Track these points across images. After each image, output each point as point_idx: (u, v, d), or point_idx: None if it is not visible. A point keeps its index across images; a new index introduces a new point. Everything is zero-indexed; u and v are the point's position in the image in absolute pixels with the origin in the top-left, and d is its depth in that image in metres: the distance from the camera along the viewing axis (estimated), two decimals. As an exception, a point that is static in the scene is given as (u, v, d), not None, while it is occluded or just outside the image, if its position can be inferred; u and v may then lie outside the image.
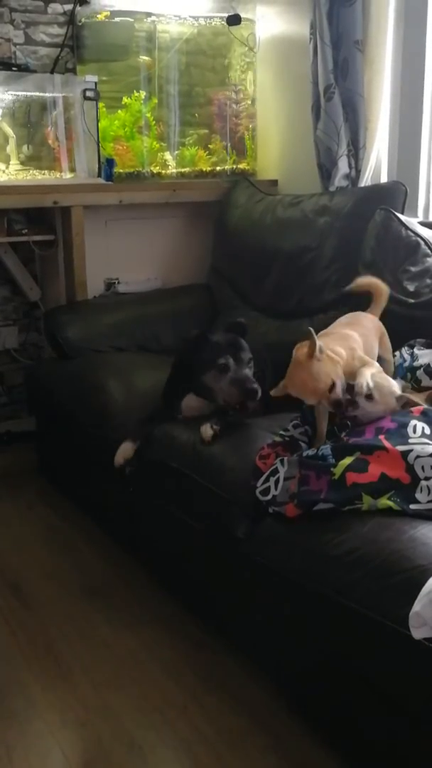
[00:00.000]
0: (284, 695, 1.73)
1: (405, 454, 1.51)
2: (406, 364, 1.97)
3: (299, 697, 1.69)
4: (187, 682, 1.81)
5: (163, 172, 3.10)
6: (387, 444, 1.54)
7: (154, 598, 2.15)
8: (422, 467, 1.48)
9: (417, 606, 1.19)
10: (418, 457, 1.49)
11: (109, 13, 2.94)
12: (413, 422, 1.58)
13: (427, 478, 1.47)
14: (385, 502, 1.45)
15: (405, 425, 1.57)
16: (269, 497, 1.63)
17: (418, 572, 1.29)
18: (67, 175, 2.94)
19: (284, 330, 2.69)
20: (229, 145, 3.25)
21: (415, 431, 1.55)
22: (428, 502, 1.43)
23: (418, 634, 1.18)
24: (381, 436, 1.57)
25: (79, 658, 1.91)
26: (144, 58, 3.00)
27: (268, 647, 1.74)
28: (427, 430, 1.56)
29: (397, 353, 2.03)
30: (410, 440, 1.53)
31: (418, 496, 1.45)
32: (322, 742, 1.59)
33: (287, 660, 1.68)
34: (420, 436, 1.54)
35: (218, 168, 3.21)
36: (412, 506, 1.43)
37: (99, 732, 1.66)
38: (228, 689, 1.78)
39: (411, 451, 1.51)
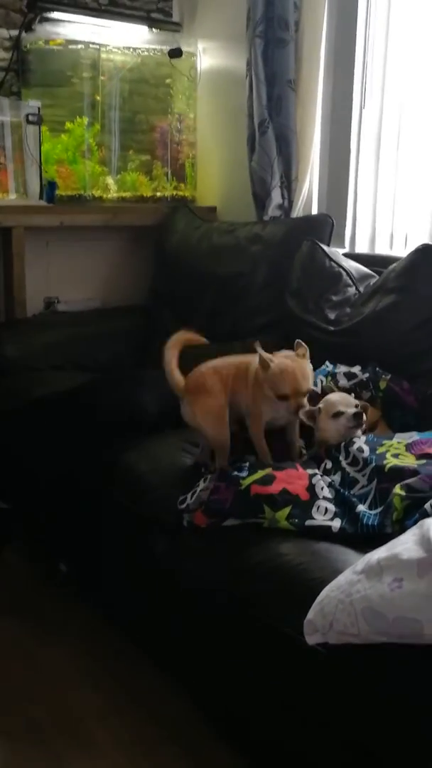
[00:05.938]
0: (199, 706, 1.79)
1: (311, 476, 1.65)
2: (329, 369, 2.08)
3: (213, 706, 1.76)
4: (109, 693, 1.86)
5: (105, 195, 3.17)
6: (299, 467, 1.69)
7: (77, 609, 2.20)
8: (322, 488, 1.61)
9: (310, 614, 1.27)
10: (320, 478, 1.65)
11: (54, 40, 3.01)
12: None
13: (324, 498, 1.58)
14: (283, 523, 1.54)
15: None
16: (184, 506, 1.71)
17: (316, 583, 1.37)
18: (12, 196, 2.99)
19: (218, 352, 2.77)
20: (170, 171, 3.34)
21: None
22: (323, 519, 1.53)
23: (311, 640, 1.27)
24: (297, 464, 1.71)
25: (0, 670, 1.95)
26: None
27: (184, 659, 1.80)
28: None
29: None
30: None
31: (314, 513, 1.55)
32: (231, 748, 1.66)
33: (202, 672, 1.74)
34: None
35: (159, 194, 3.30)
36: (308, 522, 1.53)
37: (19, 744, 1.70)
38: (147, 699, 1.84)
39: (315, 474, 1.66)
